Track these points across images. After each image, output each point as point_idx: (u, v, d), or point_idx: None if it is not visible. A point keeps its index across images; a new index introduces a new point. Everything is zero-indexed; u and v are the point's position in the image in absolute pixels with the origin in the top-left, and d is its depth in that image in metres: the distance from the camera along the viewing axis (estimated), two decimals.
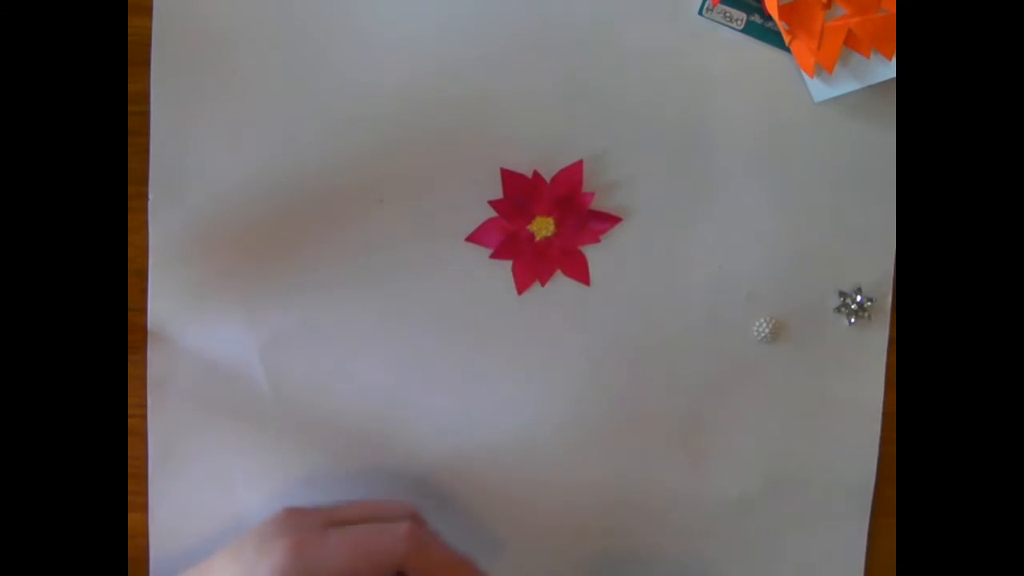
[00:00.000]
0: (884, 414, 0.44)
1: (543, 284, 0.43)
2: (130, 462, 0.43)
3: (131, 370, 0.42)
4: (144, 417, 0.43)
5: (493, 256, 0.42)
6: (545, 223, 0.42)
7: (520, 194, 0.42)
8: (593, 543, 0.44)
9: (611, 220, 0.42)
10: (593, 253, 0.43)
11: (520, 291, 0.42)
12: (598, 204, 0.42)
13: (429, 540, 0.37)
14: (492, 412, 0.43)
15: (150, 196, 0.41)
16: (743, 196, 0.42)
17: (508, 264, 0.42)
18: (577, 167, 0.42)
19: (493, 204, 0.42)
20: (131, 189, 0.41)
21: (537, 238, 0.42)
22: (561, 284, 0.43)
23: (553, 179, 0.42)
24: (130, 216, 0.41)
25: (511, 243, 0.42)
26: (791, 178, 0.42)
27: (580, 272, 0.42)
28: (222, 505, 0.43)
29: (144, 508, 0.43)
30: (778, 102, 0.42)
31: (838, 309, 0.43)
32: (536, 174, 0.42)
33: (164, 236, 0.41)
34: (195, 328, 0.42)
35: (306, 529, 0.37)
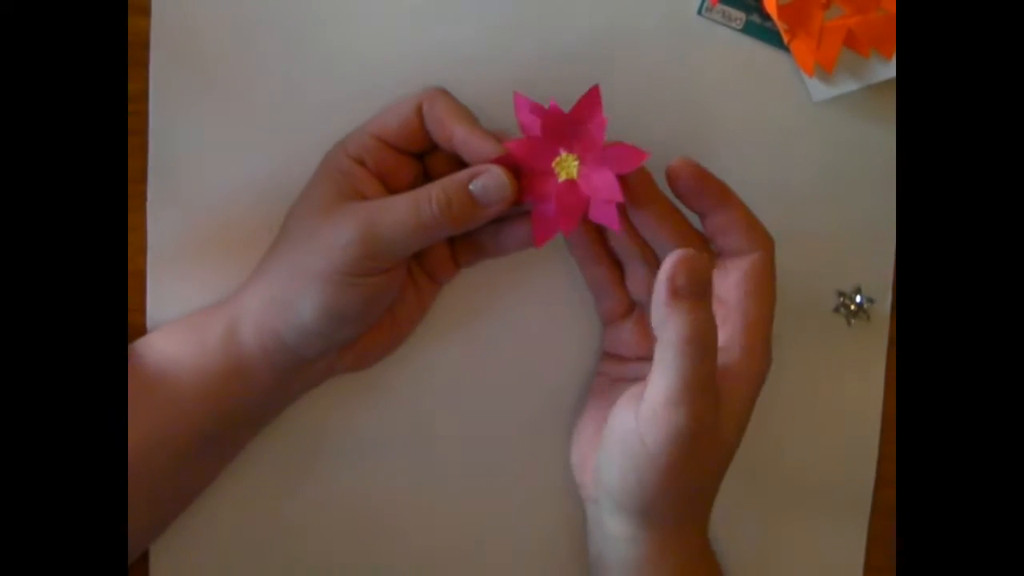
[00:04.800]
0: (883, 415, 0.44)
1: (566, 235, 0.39)
2: None
3: None
4: None
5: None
6: (569, 160, 0.37)
7: (542, 127, 0.37)
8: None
9: (636, 154, 0.36)
10: None
11: (539, 243, 0.38)
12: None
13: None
14: (491, 411, 0.43)
15: (148, 196, 0.41)
16: (741, 196, 0.42)
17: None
18: (594, 93, 0.37)
19: (510, 145, 0.37)
20: (129, 189, 0.41)
21: (560, 178, 0.38)
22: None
23: (572, 110, 0.37)
24: (128, 216, 0.41)
25: (530, 184, 0.38)
26: (790, 178, 0.42)
27: (609, 216, 0.37)
28: (219, 503, 0.43)
29: None
30: (777, 102, 0.42)
31: (837, 310, 0.43)
32: (554, 104, 0.37)
33: (162, 236, 0.41)
34: None
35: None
